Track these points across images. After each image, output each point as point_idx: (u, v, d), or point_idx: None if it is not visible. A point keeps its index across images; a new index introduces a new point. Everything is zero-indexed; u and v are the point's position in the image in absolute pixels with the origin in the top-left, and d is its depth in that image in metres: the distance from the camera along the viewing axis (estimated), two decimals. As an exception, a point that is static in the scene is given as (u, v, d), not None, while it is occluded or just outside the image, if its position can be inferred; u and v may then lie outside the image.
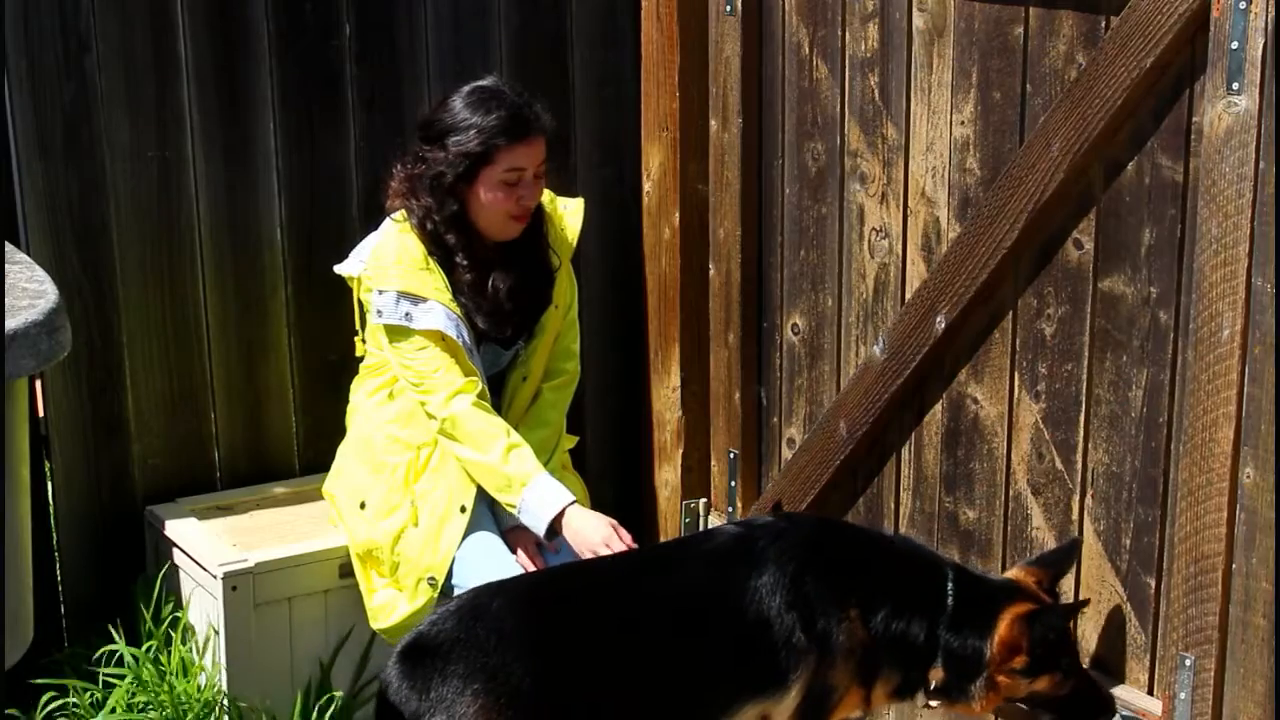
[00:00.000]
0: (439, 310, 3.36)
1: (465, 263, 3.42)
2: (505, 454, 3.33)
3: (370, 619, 3.50)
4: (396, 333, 3.40)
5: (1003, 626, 2.94)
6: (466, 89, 3.43)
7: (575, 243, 3.64)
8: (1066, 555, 3.12)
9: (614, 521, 3.32)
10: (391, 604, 3.45)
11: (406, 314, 3.36)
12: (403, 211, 3.46)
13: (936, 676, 2.98)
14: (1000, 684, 2.97)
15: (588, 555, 3.26)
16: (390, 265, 3.39)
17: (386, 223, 3.49)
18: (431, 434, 3.44)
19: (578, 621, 2.94)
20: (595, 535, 3.27)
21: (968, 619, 2.97)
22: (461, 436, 3.37)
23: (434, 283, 3.39)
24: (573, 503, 3.32)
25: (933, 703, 3.04)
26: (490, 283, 3.45)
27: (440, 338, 3.38)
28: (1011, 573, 3.11)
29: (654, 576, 3.05)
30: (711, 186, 3.96)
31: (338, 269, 3.56)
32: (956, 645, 2.96)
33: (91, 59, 3.56)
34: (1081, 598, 3.19)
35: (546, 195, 3.58)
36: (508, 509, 3.37)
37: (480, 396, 3.39)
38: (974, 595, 3.00)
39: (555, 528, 3.31)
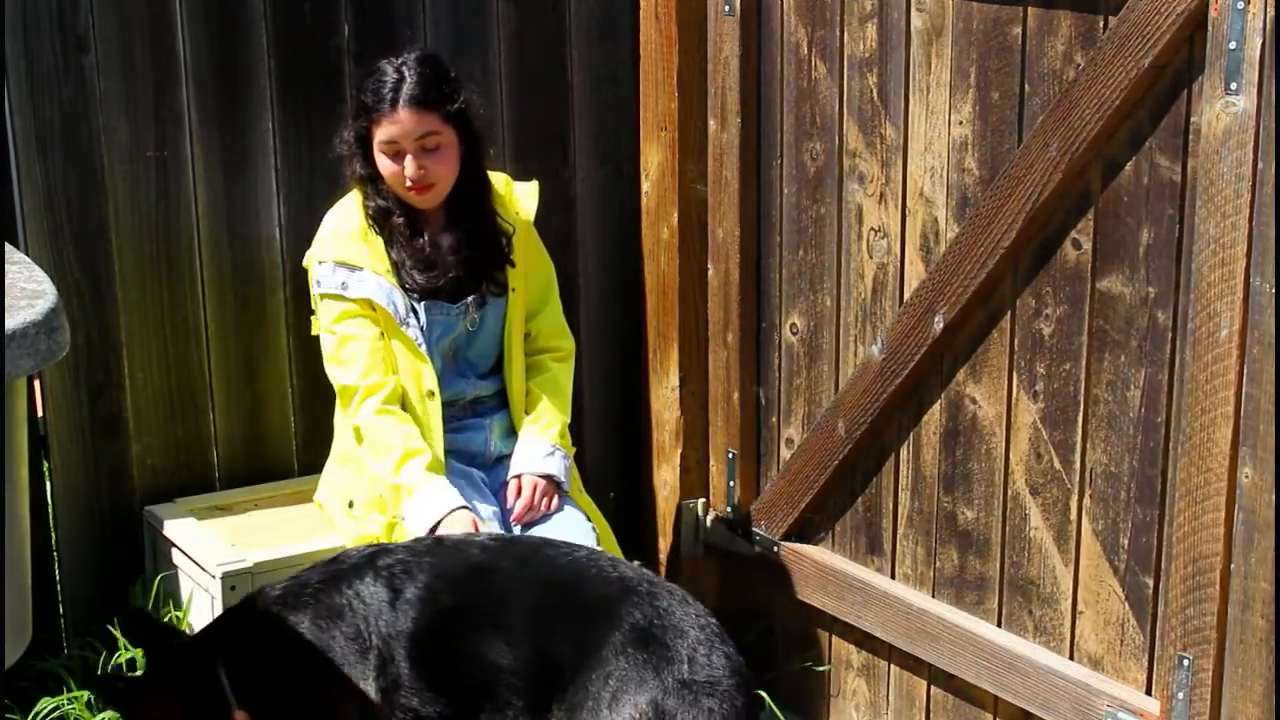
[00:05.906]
0: (372, 279, 3.44)
1: (401, 217, 3.47)
2: (397, 467, 3.38)
3: None
4: (333, 303, 3.46)
5: None
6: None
7: (532, 218, 3.67)
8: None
9: (477, 521, 3.34)
10: None
11: (343, 283, 3.45)
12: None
13: None
14: None
15: None
16: (328, 237, 3.50)
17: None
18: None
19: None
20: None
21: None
22: (364, 444, 3.44)
23: (369, 253, 3.46)
24: (453, 510, 3.33)
25: None
26: (425, 235, 3.50)
27: (370, 306, 3.44)
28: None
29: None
30: (710, 186, 3.96)
31: (305, 262, 3.60)
32: None
33: (90, 59, 3.56)
34: (1080, 599, 3.18)
35: (501, 179, 3.66)
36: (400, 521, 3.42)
37: (390, 398, 3.42)
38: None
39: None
